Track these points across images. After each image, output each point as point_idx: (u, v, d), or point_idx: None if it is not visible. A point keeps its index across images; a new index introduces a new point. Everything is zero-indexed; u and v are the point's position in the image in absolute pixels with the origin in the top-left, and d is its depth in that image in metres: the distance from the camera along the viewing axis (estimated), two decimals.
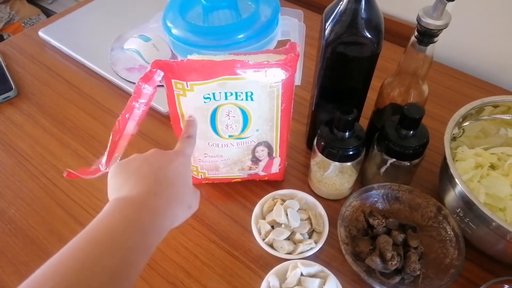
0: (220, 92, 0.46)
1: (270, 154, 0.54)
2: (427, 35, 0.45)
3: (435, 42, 0.46)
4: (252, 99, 0.47)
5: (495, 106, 0.53)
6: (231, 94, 0.46)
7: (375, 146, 0.52)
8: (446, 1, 0.42)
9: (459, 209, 0.46)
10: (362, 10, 0.45)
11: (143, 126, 0.46)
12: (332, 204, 0.55)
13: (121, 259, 0.29)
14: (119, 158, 0.46)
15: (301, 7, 0.87)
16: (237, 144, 0.52)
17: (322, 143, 0.50)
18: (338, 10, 0.47)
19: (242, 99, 0.47)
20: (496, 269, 0.48)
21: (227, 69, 0.44)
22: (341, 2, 0.47)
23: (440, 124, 0.54)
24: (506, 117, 0.53)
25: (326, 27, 0.49)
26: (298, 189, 0.55)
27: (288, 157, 0.60)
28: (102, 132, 0.65)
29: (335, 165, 0.51)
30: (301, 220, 0.51)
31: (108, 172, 0.41)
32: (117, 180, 0.38)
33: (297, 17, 0.54)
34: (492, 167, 0.54)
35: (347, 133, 0.49)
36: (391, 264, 0.45)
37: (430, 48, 0.47)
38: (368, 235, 0.50)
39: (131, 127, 0.45)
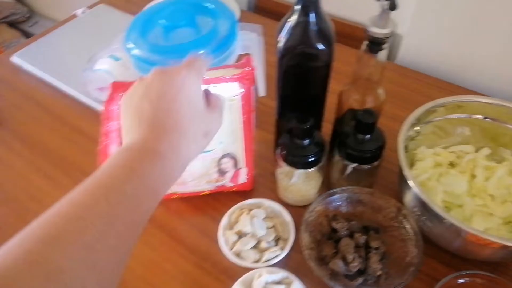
0: None
1: (235, 165, 0.55)
2: (375, 43, 0.47)
3: (385, 48, 0.48)
4: None
5: (446, 107, 0.55)
6: None
7: (336, 152, 0.54)
8: (389, 11, 0.44)
9: (416, 208, 0.47)
10: (313, 23, 0.47)
11: None
12: (299, 211, 0.56)
13: (118, 204, 0.28)
14: None
15: (264, 17, 0.90)
16: (201, 158, 0.53)
17: (284, 152, 0.52)
18: (290, 23, 0.49)
19: None
20: (457, 264, 0.50)
21: None
22: (292, 16, 0.49)
23: (401, 125, 0.55)
24: (456, 116, 0.54)
25: (280, 40, 0.51)
26: (268, 198, 0.57)
27: (257, 166, 0.62)
28: (75, 153, 0.66)
29: (298, 172, 0.53)
30: (267, 228, 0.52)
31: None
32: (124, 123, 0.36)
33: (256, 31, 0.56)
34: (452, 165, 0.56)
35: (306, 141, 0.51)
36: (353, 266, 0.46)
37: (381, 54, 0.49)
38: (332, 239, 0.51)
39: (114, 150, 0.47)
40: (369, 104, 0.53)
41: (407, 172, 0.47)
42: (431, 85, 0.74)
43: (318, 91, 0.54)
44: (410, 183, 0.46)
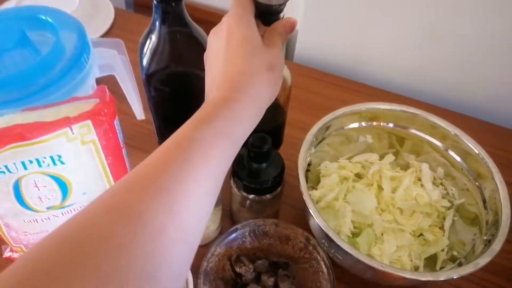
0: (14, 163, 0.36)
1: None
2: (269, 14, 0.36)
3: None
4: (62, 162, 0.38)
5: (344, 117, 0.49)
6: (31, 162, 0.37)
7: (232, 184, 0.46)
8: None
9: (324, 240, 0.42)
10: (177, 36, 0.38)
11: None
12: (201, 251, 0.48)
13: (188, 148, 0.27)
14: None
15: (146, 15, 0.78)
16: (62, 214, 0.42)
17: None
18: (151, 40, 0.39)
19: (48, 165, 0.37)
20: None
21: (13, 137, 0.34)
22: (153, 31, 0.39)
23: (306, 133, 0.49)
24: (355, 125, 0.50)
25: (143, 59, 0.41)
26: None
27: None
28: None
29: None
30: None
31: None
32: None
33: (116, 48, 0.45)
34: (358, 176, 0.52)
35: None
36: None
37: None
38: (237, 286, 0.44)
39: None
40: None
41: (308, 201, 0.41)
42: (331, 84, 0.69)
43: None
44: (314, 215, 0.40)
